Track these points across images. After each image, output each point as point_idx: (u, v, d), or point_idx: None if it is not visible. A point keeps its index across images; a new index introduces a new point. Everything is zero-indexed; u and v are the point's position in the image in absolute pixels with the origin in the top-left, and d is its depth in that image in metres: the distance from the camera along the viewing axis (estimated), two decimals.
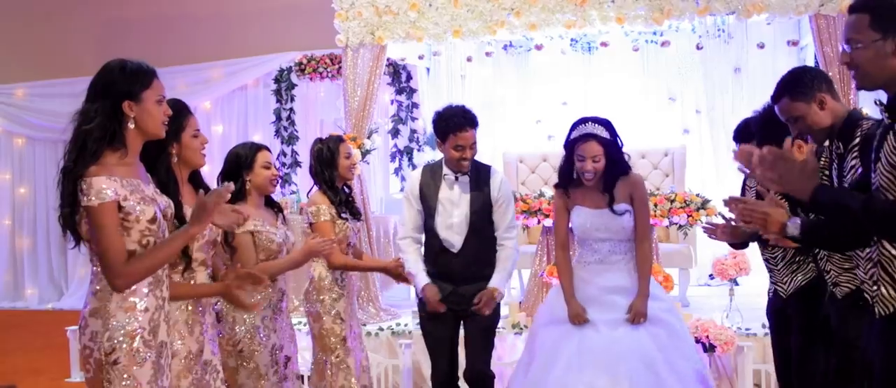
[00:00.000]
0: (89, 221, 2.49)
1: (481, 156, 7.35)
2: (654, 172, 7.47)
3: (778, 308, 4.00)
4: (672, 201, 5.87)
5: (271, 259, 3.61)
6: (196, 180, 3.22)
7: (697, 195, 5.91)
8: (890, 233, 2.20)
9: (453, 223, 4.06)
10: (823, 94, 2.82)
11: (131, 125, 2.56)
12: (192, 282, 2.94)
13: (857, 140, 2.65)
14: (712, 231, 3.99)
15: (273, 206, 3.82)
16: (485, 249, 4.09)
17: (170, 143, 3.03)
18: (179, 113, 3.08)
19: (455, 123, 3.94)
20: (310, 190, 4.37)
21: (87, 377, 2.58)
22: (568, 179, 3.94)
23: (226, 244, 3.33)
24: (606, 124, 3.80)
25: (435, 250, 4.13)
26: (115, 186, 2.47)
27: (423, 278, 4.09)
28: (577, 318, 3.80)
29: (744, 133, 3.85)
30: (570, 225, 4.00)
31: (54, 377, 6.21)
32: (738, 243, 4.09)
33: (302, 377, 5.76)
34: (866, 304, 3.17)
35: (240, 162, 3.67)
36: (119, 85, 2.55)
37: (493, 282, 4.04)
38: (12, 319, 9.22)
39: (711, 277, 7.04)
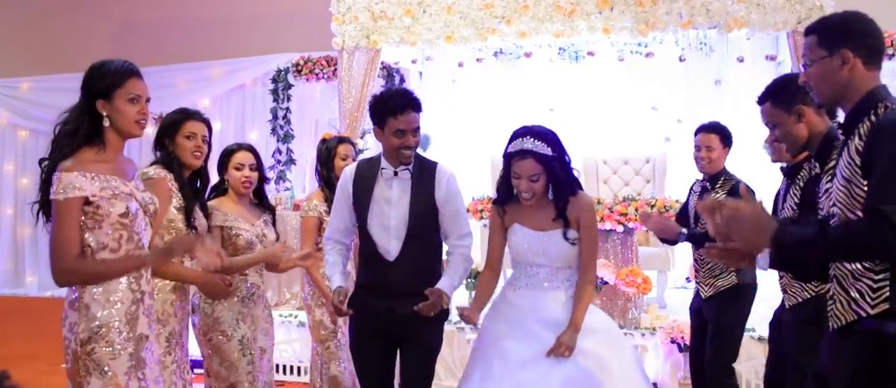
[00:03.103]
0: (52, 212, 2.55)
1: (471, 158, 7.65)
2: (636, 178, 7.64)
3: (697, 307, 4.21)
4: (652, 207, 5.85)
5: (241, 254, 3.64)
6: (195, 182, 3.37)
7: (677, 201, 5.90)
8: (847, 257, 2.23)
9: (390, 226, 3.36)
10: (805, 107, 2.84)
11: (106, 123, 2.61)
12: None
13: (833, 163, 2.55)
14: (646, 220, 4.12)
15: (264, 206, 3.85)
16: (427, 258, 3.43)
17: (164, 142, 3.26)
18: (178, 116, 3.32)
19: (395, 104, 3.30)
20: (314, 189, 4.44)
21: (67, 368, 2.60)
22: (507, 194, 3.39)
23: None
24: (549, 137, 3.23)
25: (368, 257, 3.43)
26: (85, 182, 2.53)
27: (337, 280, 3.45)
28: (467, 312, 3.20)
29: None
30: (506, 245, 3.46)
31: (51, 363, 6.31)
32: (668, 240, 4.22)
33: (279, 367, 5.92)
34: (815, 317, 3.26)
35: (221, 160, 3.77)
36: (93, 84, 2.62)
37: (441, 284, 3.28)
38: (12, 305, 9.33)
39: (688, 279, 7.23)
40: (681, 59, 7.52)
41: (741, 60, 7.31)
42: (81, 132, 2.58)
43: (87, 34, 9.75)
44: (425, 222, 3.38)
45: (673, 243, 4.29)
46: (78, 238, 2.55)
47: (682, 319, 5.36)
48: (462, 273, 3.41)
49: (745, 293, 4.00)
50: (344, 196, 3.51)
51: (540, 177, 3.22)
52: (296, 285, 6.67)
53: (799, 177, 3.46)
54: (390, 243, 3.37)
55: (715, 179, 4.09)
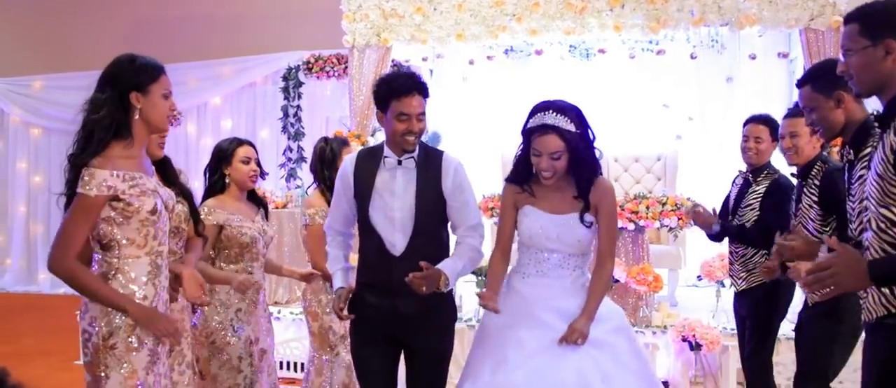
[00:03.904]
0: (74, 202, 2.53)
1: (482, 156, 7.64)
2: (647, 175, 7.62)
3: (735, 304, 4.21)
4: (664, 204, 5.88)
5: (245, 251, 3.64)
6: (164, 170, 3.23)
7: (688, 199, 5.95)
8: None
9: (394, 218, 3.13)
10: (844, 93, 2.75)
11: (137, 116, 2.60)
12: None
13: (869, 150, 2.57)
14: (695, 217, 4.12)
15: (256, 201, 3.82)
16: (436, 254, 3.14)
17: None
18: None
19: (399, 86, 3.08)
20: (309, 187, 4.34)
21: (85, 361, 2.62)
22: (524, 174, 3.15)
23: (197, 234, 3.38)
24: (572, 112, 2.99)
25: (372, 253, 3.17)
26: (115, 180, 2.52)
27: (338, 280, 3.27)
28: (487, 299, 3.01)
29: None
30: (515, 227, 3.22)
31: (64, 360, 6.34)
32: (715, 236, 4.19)
33: (287, 364, 5.94)
34: (832, 311, 3.33)
35: (220, 156, 3.70)
36: (128, 77, 2.60)
37: (443, 265, 3.06)
38: (25, 302, 9.41)
39: (699, 278, 7.17)
40: (692, 57, 7.51)
41: (753, 58, 7.28)
42: (114, 125, 2.57)
43: (98, 32, 9.78)
44: (433, 215, 3.15)
45: (721, 238, 4.23)
46: (84, 236, 2.55)
47: (693, 317, 5.38)
48: (467, 262, 3.18)
49: (778, 290, 3.96)
50: (343, 187, 3.27)
51: (562, 155, 2.98)
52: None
53: (812, 175, 3.50)
54: (396, 238, 3.13)
55: (757, 171, 4.05)
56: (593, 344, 2.97)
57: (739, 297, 4.10)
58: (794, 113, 3.67)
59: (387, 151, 3.18)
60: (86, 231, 2.55)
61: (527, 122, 3.06)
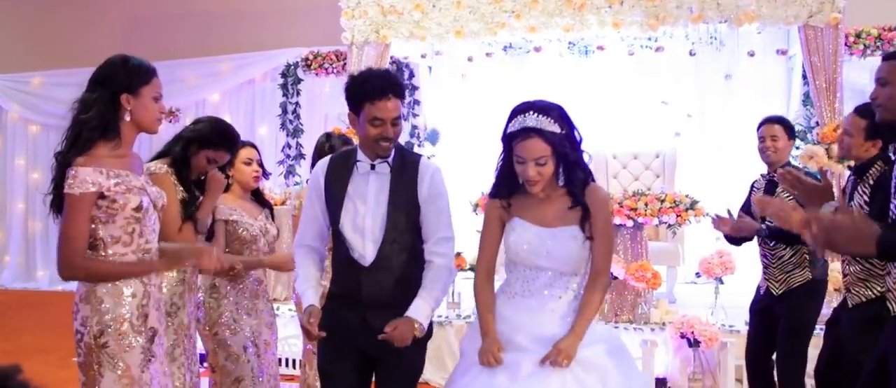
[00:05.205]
0: (65, 206, 2.55)
1: (480, 153, 7.63)
2: (646, 172, 7.63)
3: (763, 306, 4.15)
4: (662, 201, 5.90)
5: (246, 248, 3.71)
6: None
7: (687, 196, 5.96)
8: None
9: (365, 227, 2.91)
10: None
11: (127, 117, 2.63)
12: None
13: None
14: (717, 223, 4.12)
15: (261, 201, 3.90)
16: (409, 265, 2.94)
17: (228, 164, 3.41)
18: (235, 143, 3.52)
19: (372, 88, 2.83)
20: (307, 180, 4.45)
21: (79, 361, 2.63)
22: (509, 185, 2.89)
23: (188, 218, 3.42)
24: (555, 112, 2.73)
25: (342, 263, 2.98)
26: (99, 178, 2.55)
27: (309, 298, 2.98)
28: (489, 356, 2.71)
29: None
30: (499, 245, 2.94)
31: (62, 357, 6.33)
32: (735, 240, 4.21)
33: (285, 361, 5.96)
34: (877, 317, 3.23)
35: None
36: (119, 78, 2.63)
37: (412, 310, 2.84)
38: (24, 299, 9.38)
39: (698, 275, 7.18)
40: (691, 54, 7.52)
41: (752, 55, 7.31)
42: (102, 125, 2.59)
43: (97, 29, 9.79)
44: (406, 223, 2.93)
45: (740, 242, 4.26)
46: (87, 234, 2.58)
47: (691, 314, 5.37)
48: (441, 290, 2.95)
49: (819, 290, 4.00)
50: (315, 193, 3.05)
51: (548, 160, 2.71)
52: None
53: (868, 174, 3.44)
54: (366, 247, 2.91)
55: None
56: (582, 365, 2.69)
57: (775, 299, 4.05)
58: (856, 110, 3.64)
59: (360, 155, 2.97)
60: (86, 227, 2.57)
61: (506, 126, 2.80)
